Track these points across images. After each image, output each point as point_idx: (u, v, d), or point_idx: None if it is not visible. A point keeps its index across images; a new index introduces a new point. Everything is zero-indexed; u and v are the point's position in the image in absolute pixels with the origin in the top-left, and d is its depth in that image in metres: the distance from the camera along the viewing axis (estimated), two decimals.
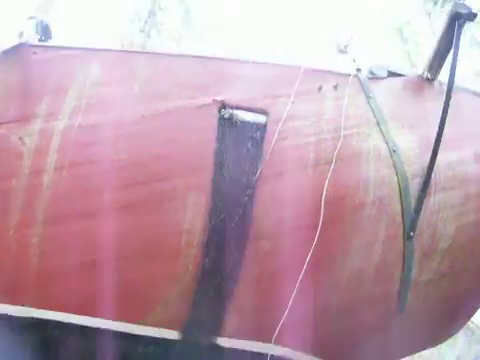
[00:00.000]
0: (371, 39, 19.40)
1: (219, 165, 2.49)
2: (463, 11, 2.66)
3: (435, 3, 14.88)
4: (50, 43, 3.05)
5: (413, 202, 2.71)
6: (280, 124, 2.56)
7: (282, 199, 2.53)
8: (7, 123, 2.53)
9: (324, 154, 2.60)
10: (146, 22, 13.44)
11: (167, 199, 2.47)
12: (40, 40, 3.12)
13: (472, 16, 2.71)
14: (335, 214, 2.55)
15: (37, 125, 2.54)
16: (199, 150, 2.52)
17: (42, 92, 2.64)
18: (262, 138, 2.57)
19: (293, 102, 2.65)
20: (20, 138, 2.49)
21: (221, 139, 2.52)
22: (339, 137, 2.62)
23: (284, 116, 2.58)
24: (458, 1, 2.81)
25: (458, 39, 2.71)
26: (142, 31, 12.93)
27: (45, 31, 3.16)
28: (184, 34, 15.71)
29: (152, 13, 14.20)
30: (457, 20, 2.67)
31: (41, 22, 3.16)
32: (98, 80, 2.68)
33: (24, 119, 2.54)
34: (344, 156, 2.62)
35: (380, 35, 19.22)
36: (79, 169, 2.49)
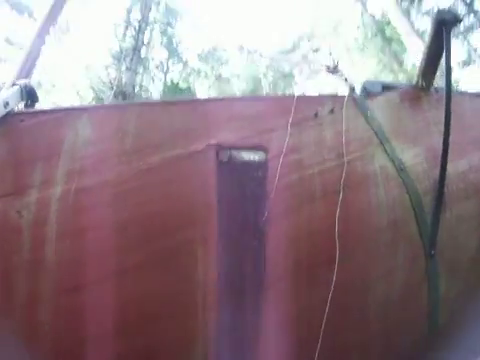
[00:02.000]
0: (356, 43, 19.56)
1: (224, 212, 2.39)
2: (448, 17, 2.62)
3: (412, 1, 15.03)
4: (37, 108, 3.00)
5: (429, 219, 2.60)
6: (281, 159, 2.47)
7: (294, 237, 2.43)
8: (3, 197, 2.45)
9: (331, 184, 2.51)
10: (132, 59, 13.54)
11: (175, 255, 2.37)
12: (27, 105, 3.07)
13: (457, 20, 2.67)
14: (351, 245, 2.44)
15: (33, 196, 2.45)
16: (201, 199, 2.43)
17: (34, 160, 2.57)
18: (265, 176, 2.48)
19: (291, 134, 2.56)
20: (17, 212, 2.40)
21: (222, 184, 2.43)
22: (343, 164, 2.53)
23: (284, 150, 2.49)
24: (441, 8, 2.78)
25: (448, 44, 2.65)
26: (129, 69, 13.00)
27: (31, 95, 3.11)
28: (171, 65, 15.85)
29: (137, 49, 14.33)
30: (444, 26, 2.62)
31: (25, 87, 3.11)
32: (89, 140, 2.61)
33: (19, 191, 2.46)
34: (351, 183, 2.52)
35: (363, 37, 19.37)
36: (81, 236, 2.40)
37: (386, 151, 2.67)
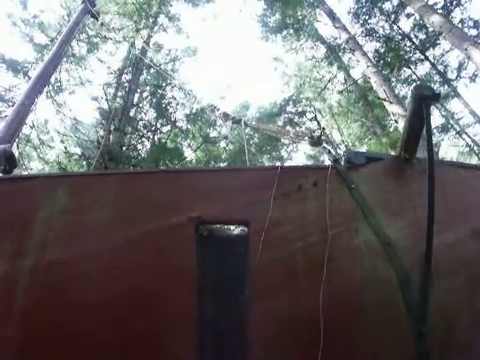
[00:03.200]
0: (340, 108, 20.18)
1: (204, 290, 2.27)
2: (428, 93, 2.67)
3: (391, 70, 15.76)
4: (14, 174, 2.93)
5: (417, 295, 2.50)
6: (263, 234, 2.39)
7: (277, 317, 2.30)
8: None
9: (314, 259, 2.42)
10: (121, 120, 13.71)
11: (151, 334, 2.21)
12: (4, 170, 3.01)
13: (437, 96, 2.72)
14: (336, 324, 2.32)
15: (1, 267, 2.33)
16: (180, 275, 2.31)
17: (7, 228, 2.46)
18: (246, 252, 2.39)
19: (274, 207, 2.50)
20: None
21: (202, 260, 2.32)
22: (327, 238, 2.46)
23: (266, 224, 2.42)
24: (421, 84, 2.84)
25: (428, 118, 2.69)
26: (117, 129, 13.13)
27: (9, 161, 3.06)
28: (159, 125, 16.08)
29: (126, 110, 14.55)
30: (424, 102, 2.67)
31: (4, 152, 3.07)
32: (66, 209, 2.53)
33: None
34: (336, 258, 2.44)
35: (346, 102, 20.05)
36: (51, 313, 2.24)
37: (371, 224, 2.61)
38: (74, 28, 7.93)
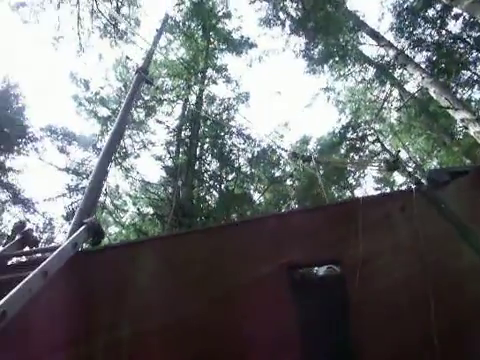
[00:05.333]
0: (401, 125, 19.51)
1: (306, 336, 2.18)
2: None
3: (449, 76, 15.13)
4: (103, 245, 3.07)
5: None
6: (358, 271, 2.29)
7: (384, 357, 2.15)
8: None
9: (417, 289, 2.26)
10: (187, 174, 14.18)
11: None
12: (93, 242, 3.17)
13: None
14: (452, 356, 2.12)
15: (101, 340, 2.40)
16: (279, 325, 2.24)
17: (102, 299, 2.56)
18: (343, 292, 2.28)
19: (363, 241, 2.39)
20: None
21: (300, 307, 2.24)
22: (426, 266, 2.30)
23: (360, 261, 2.31)
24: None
25: None
26: (185, 184, 13.55)
27: (97, 232, 3.22)
28: (224, 174, 16.42)
29: (190, 164, 15.04)
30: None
31: (92, 225, 3.23)
32: (157, 272, 2.58)
33: (90, 334, 2.42)
34: (440, 284, 2.26)
35: (407, 118, 19.38)
36: None
37: (472, 244, 2.42)
38: (132, 97, 8.43)
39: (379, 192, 19.59)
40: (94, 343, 2.39)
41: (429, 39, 16.83)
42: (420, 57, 16.75)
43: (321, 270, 2.57)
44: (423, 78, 13.25)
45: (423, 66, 15.21)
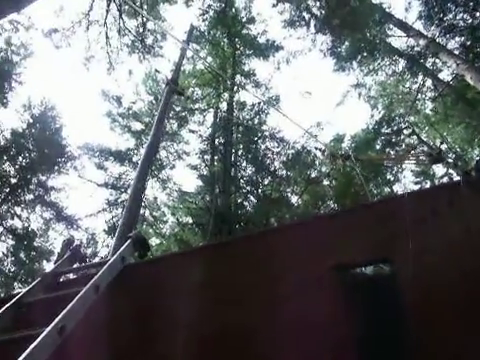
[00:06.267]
0: (437, 116, 18.92)
1: (362, 341, 2.12)
2: None
3: None
4: (149, 257, 3.12)
5: None
6: (411, 269, 2.21)
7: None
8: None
9: (474, 288, 2.15)
10: (224, 182, 14.28)
11: None
12: (140, 255, 3.24)
13: None
14: None
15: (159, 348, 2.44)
16: (335, 328, 2.19)
17: (154, 311, 2.60)
18: (396, 291, 2.21)
19: (412, 238, 2.31)
20: None
21: (353, 311, 2.19)
22: None
23: (410, 258, 2.24)
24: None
25: None
26: (222, 191, 13.64)
27: (143, 245, 3.28)
28: (260, 178, 16.41)
29: (226, 171, 15.13)
30: None
31: (137, 237, 3.30)
32: (202, 282, 2.60)
33: (145, 346, 2.46)
34: None
35: (443, 107, 18.80)
36: None
37: None
38: (164, 109, 8.61)
39: (420, 186, 19.06)
40: (149, 353, 2.44)
41: (461, 23, 16.26)
42: (453, 43, 16.24)
43: (369, 270, 2.51)
44: (458, 65, 12.86)
45: (457, 52, 14.76)
